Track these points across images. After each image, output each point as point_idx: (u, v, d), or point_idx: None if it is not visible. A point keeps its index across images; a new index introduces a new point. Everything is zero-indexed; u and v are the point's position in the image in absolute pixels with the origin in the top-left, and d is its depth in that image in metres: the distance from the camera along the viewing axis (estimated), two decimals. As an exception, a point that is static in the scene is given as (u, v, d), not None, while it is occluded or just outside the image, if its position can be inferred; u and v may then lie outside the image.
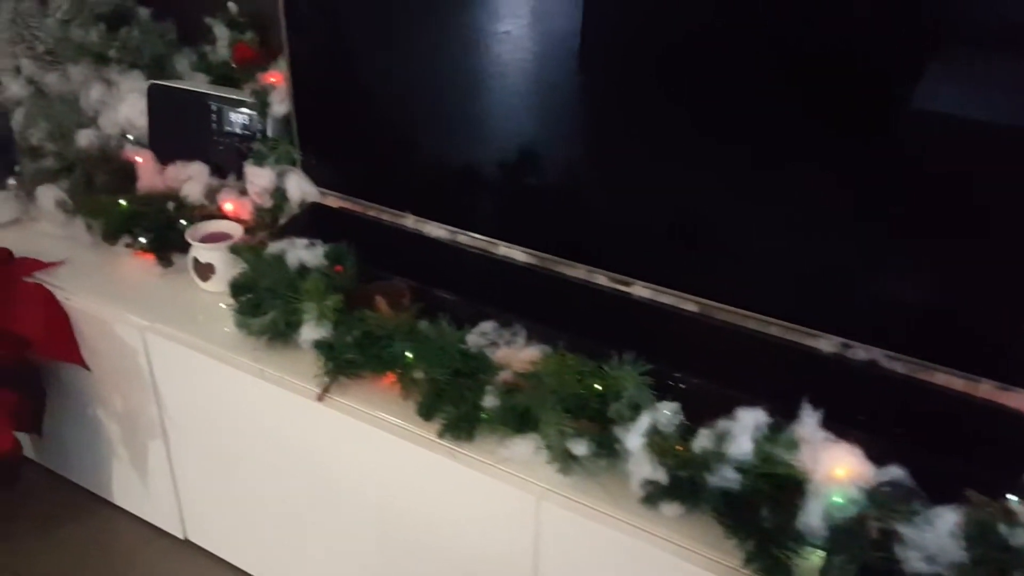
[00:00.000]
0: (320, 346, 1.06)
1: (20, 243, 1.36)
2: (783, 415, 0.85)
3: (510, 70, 1.07)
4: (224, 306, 1.20)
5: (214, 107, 1.34)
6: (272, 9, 1.44)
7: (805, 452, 0.81)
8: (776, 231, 0.98)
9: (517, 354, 0.99)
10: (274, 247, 1.14)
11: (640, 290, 1.06)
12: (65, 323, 1.25)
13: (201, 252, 1.24)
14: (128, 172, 1.36)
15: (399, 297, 1.04)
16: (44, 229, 1.39)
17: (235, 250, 1.18)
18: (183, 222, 1.29)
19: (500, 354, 0.99)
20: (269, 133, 1.32)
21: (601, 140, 1.06)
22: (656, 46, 0.96)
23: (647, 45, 0.97)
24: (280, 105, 1.29)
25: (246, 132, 1.34)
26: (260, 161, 1.30)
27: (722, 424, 0.83)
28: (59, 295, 1.26)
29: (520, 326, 1.01)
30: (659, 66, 0.97)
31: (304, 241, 1.13)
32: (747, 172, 0.96)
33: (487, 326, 1.00)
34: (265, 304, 1.11)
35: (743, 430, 0.81)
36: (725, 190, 0.99)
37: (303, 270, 1.11)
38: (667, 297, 1.05)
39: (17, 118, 1.37)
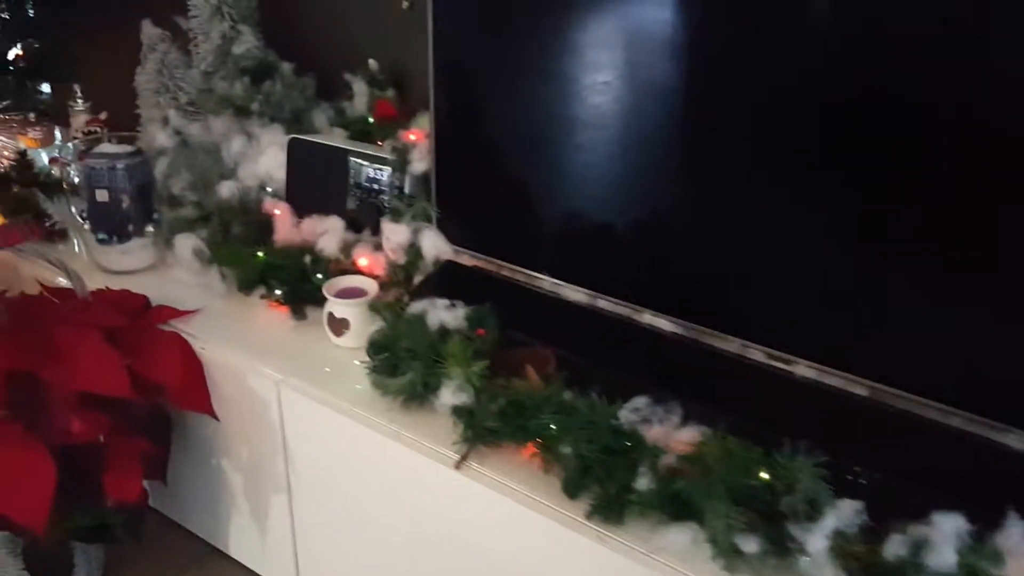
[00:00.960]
0: (459, 412, 1.02)
1: (156, 289, 1.37)
2: (979, 520, 0.76)
3: (654, 130, 1.03)
4: (359, 363, 1.17)
5: (352, 162, 1.34)
6: (411, 67, 1.45)
7: (1012, 566, 0.73)
8: (955, 310, 0.90)
9: (672, 434, 0.93)
10: (415, 307, 1.11)
11: (803, 369, 0.99)
12: (199, 372, 1.25)
13: (336, 307, 1.22)
14: (265, 224, 1.36)
15: (543, 365, 0.99)
16: (179, 277, 1.41)
17: (374, 308, 1.16)
18: (319, 276, 1.28)
19: (653, 432, 0.93)
20: (406, 190, 1.31)
21: (755, 202, 1.00)
22: (822, 108, 0.91)
23: (813, 106, 0.92)
24: (420, 163, 1.27)
25: (383, 188, 1.33)
26: (397, 217, 1.28)
27: (916, 530, 0.75)
28: (194, 344, 1.26)
29: (674, 403, 0.95)
30: (823, 127, 0.91)
31: (444, 302, 1.10)
32: (925, 238, 0.89)
33: (640, 401, 0.94)
34: (403, 365, 1.08)
35: (944, 539, 0.72)
36: (897, 259, 0.91)
37: (443, 331, 1.08)
38: (834, 379, 0.97)
39: (160, 167, 1.39)
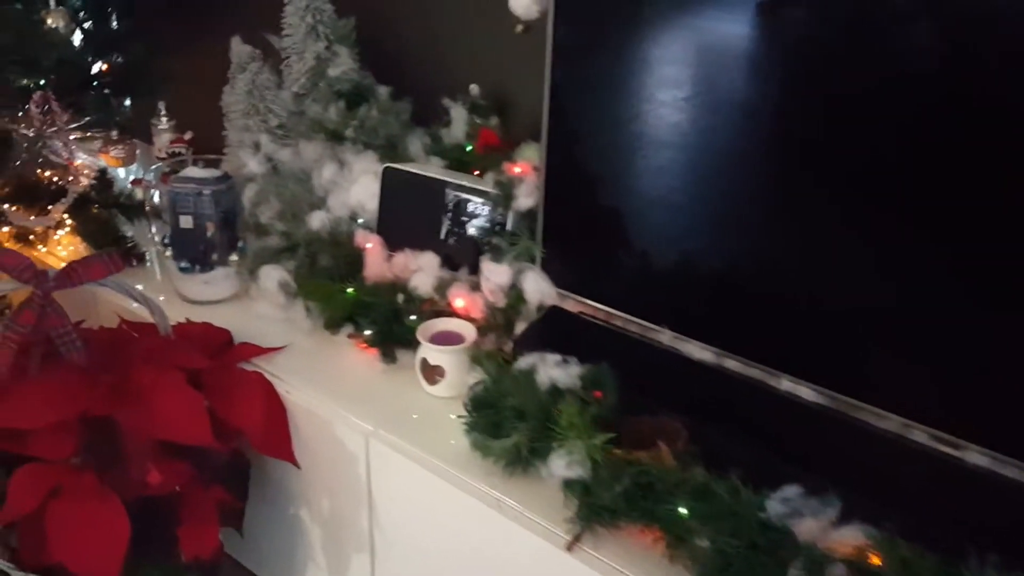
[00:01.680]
0: (573, 486, 0.91)
1: (237, 322, 1.29)
2: None
3: (802, 172, 0.91)
4: (455, 417, 1.07)
5: (451, 195, 1.24)
6: (516, 94, 1.35)
7: None
8: None
9: (828, 531, 0.80)
10: (523, 361, 1.00)
11: (975, 456, 0.85)
12: (282, 416, 1.16)
13: (431, 353, 1.12)
14: (354, 257, 1.27)
15: (673, 438, 0.87)
16: (261, 310, 1.32)
17: (476, 359, 1.05)
18: (412, 317, 1.18)
19: (805, 527, 0.81)
20: (508, 227, 1.21)
21: (921, 257, 0.87)
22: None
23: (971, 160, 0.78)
24: (526, 198, 1.17)
25: (483, 224, 1.23)
26: (498, 256, 1.18)
27: None
28: (278, 385, 1.17)
29: (828, 492, 0.82)
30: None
31: (555, 357, 0.99)
32: None
33: (791, 491, 0.82)
34: (507, 425, 0.98)
35: None
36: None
37: (555, 391, 0.97)
38: (1012, 469, 0.83)
39: (248, 194, 1.31)
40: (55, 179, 1.47)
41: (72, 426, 1.00)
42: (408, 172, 1.28)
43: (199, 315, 1.31)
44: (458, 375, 1.13)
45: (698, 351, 1.04)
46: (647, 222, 1.07)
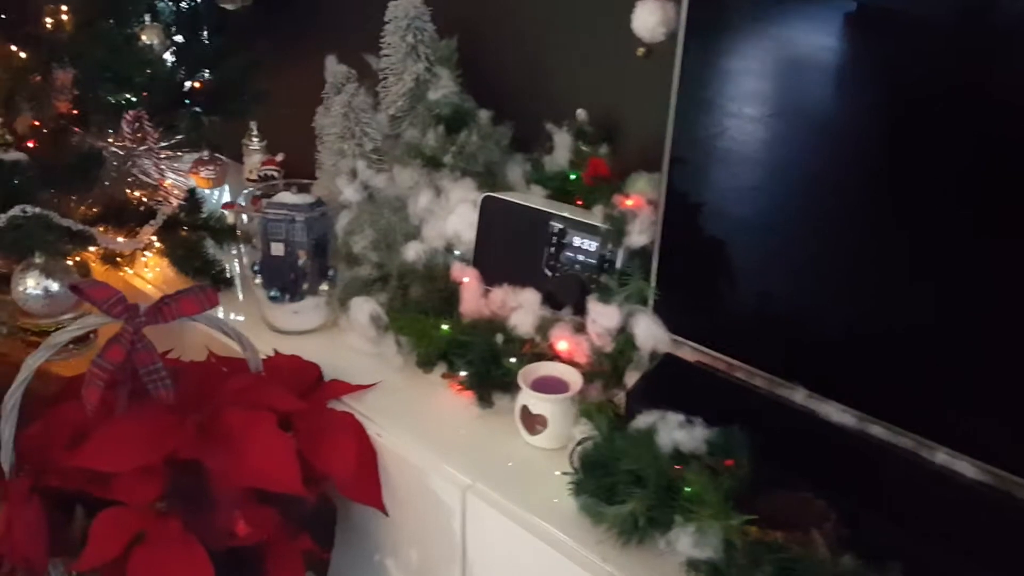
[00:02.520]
0: (701, 567, 0.81)
1: (324, 354, 1.23)
2: None
3: (971, 213, 0.80)
4: (560, 474, 0.99)
5: (556, 228, 1.16)
6: (628, 121, 1.26)
7: None
8: None
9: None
10: (641, 420, 0.91)
11: None
12: (373, 462, 1.09)
13: (533, 401, 1.04)
14: (448, 292, 1.20)
15: (819, 520, 0.77)
16: (350, 342, 1.26)
17: (586, 412, 0.97)
18: (512, 360, 1.10)
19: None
20: (618, 265, 1.12)
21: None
22: None
23: None
24: (639, 235, 1.08)
25: (590, 261, 1.14)
26: (606, 297, 1.09)
27: None
28: (368, 427, 1.10)
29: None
30: None
31: (678, 417, 0.90)
32: None
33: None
34: (622, 490, 0.89)
35: None
36: None
37: (678, 455, 0.88)
38: None
39: (342, 222, 1.25)
40: (144, 199, 1.44)
41: (158, 469, 0.94)
42: (509, 202, 1.21)
43: (286, 345, 1.25)
44: (562, 426, 1.04)
45: (837, 413, 0.93)
46: (780, 264, 0.97)
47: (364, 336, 1.24)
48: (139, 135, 1.41)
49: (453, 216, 1.25)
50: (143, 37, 1.33)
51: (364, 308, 1.22)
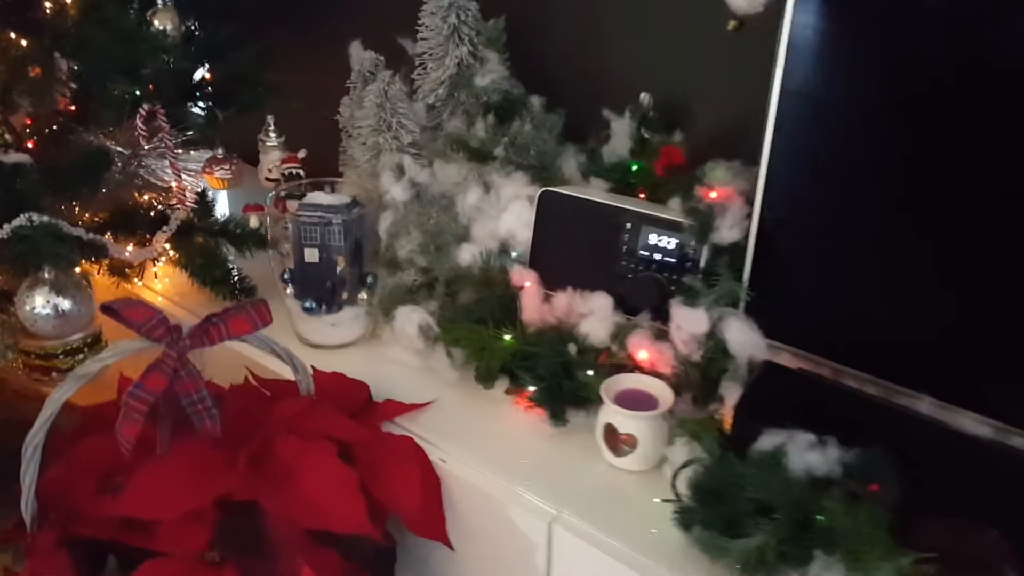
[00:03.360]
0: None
1: (366, 369, 1.12)
2: None
3: None
4: (659, 501, 0.89)
5: (628, 225, 1.06)
6: (703, 103, 1.16)
7: None
8: None
9: None
10: (766, 440, 0.81)
11: None
12: (436, 492, 0.98)
13: (621, 419, 0.94)
14: (505, 298, 1.09)
15: (1004, 557, 0.68)
16: (393, 356, 1.15)
17: (692, 433, 0.87)
18: (588, 372, 1.00)
19: None
20: (701, 264, 1.02)
21: None
22: None
23: None
24: (730, 230, 0.98)
25: (668, 260, 1.04)
26: (692, 300, 0.99)
27: None
28: (428, 451, 0.99)
29: None
30: None
31: (808, 437, 0.80)
32: None
33: None
34: (746, 522, 0.79)
35: None
36: None
37: (810, 480, 0.78)
38: None
39: (384, 224, 1.14)
40: (155, 203, 1.31)
41: (207, 513, 0.83)
42: (572, 197, 1.10)
43: (323, 361, 1.14)
44: (653, 446, 0.94)
45: (973, 425, 0.84)
46: (902, 257, 0.87)
47: (411, 349, 1.13)
48: (151, 133, 1.28)
49: (507, 214, 1.13)
50: (156, 22, 1.20)
51: (412, 318, 1.11)
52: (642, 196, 1.17)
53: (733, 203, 0.99)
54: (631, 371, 1.01)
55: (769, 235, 0.95)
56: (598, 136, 1.21)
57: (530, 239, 1.13)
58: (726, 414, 0.93)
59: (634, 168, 1.17)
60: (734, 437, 0.87)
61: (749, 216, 0.97)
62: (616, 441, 0.96)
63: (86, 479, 0.89)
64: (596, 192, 1.13)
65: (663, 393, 0.96)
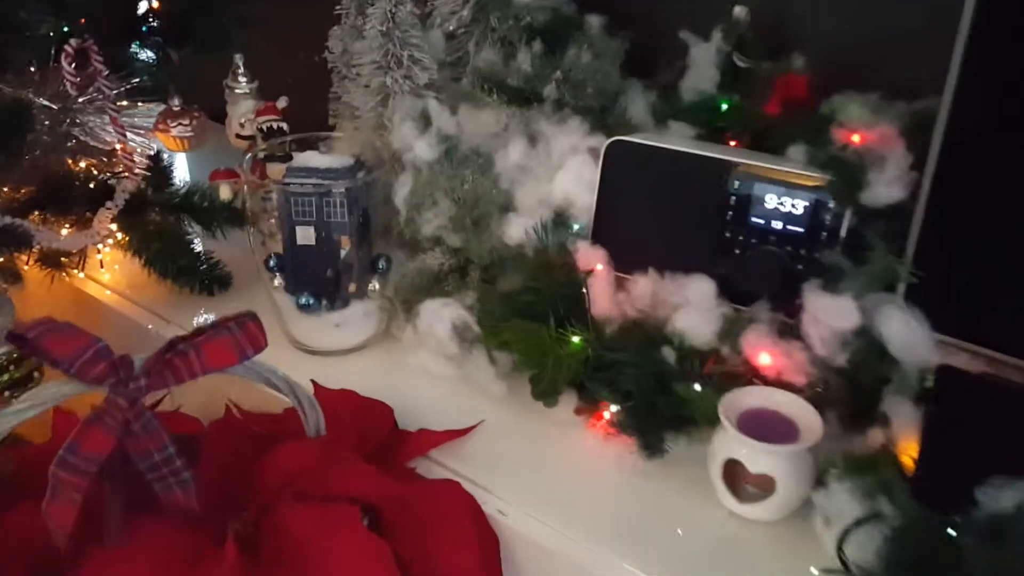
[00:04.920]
0: None
1: (381, 383, 0.88)
2: None
3: None
4: (819, 573, 0.65)
5: (736, 184, 0.81)
6: (807, 21, 0.91)
7: None
8: None
9: None
10: (989, 497, 0.58)
11: None
12: (495, 555, 0.74)
13: (751, 453, 0.70)
14: (569, 286, 0.84)
15: None
16: (417, 363, 0.90)
17: (875, 484, 0.63)
18: (693, 386, 0.76)
19: None
20: (842, 234, 0.77)
21: None
22: None
23: None
24: (890, 187, 0.73)
25: (794, 229, 0.79)
26: (834, 283, 0.75)
27: None
28: (483, 500, 0.75)
29: None
30: None
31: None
32: None
33: None
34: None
35: None
36: None
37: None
38: None
39: (402, 192, 0.88)
40: (95, 172, 1.04)
41: (183, 626, 0.58)
42: (654, 148, 0.84)
43: (326, 373, 0.89)
44: (795, 488, 0.70)
45: None
46: None
47: (442, 354, 0.88)
48: (85, 81, 1.01)
49: (562, 174, 0.88)
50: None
51: (443, 315, 0.86)
52: (733, 144, 0.92)
53: (892, 149, 0.74)
54: (750, 382, 0.77)
55: (948, 192, 0.70)
56: (671, 67, 0.95)
57: (594, 205, 0.88)
58: (898, 443, 0.70)
59: (724, 107, 0.92)
60: (924, 482, 0.64)
61: (915, 167, 0.73)
62: (742, 481, 0.72)
63: (13, 567, 0.64)
64: (684, 141, 0.87)
65: (805, 414, 0.72)
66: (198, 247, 1.04)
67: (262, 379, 0.64)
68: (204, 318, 1.00)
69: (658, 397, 0.77)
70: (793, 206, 0.79)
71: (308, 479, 0.66)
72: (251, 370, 0.62)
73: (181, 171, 1.18)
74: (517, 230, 0.84)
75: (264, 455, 0.68)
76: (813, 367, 0.75)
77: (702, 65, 0.93)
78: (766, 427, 0.72)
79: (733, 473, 0.72)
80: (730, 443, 0.72)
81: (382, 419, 0.81)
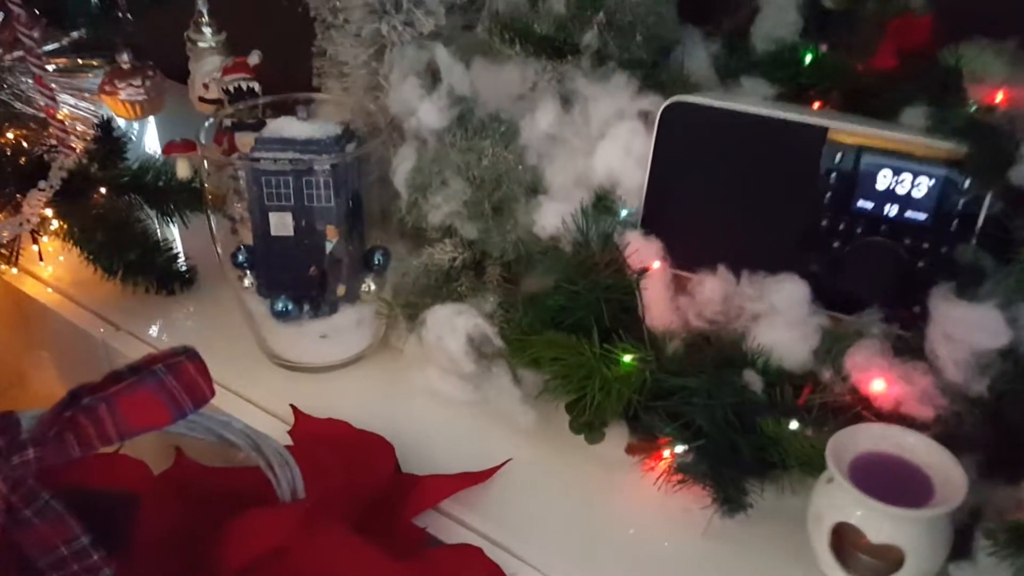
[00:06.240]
0: None
1: (378, 409, 0.72)
2: None
3: None
4: None
5: (837, 157, 0.64)
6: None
7: None
8: None
9: None
10: None
11: None
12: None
13: (871, 517, 0.54)
14: (616, 288, 0.67)
15: None
16: (423, 383, 0.74)
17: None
18: (792, 424, 0.59)
19: None
20: (979, 223, 0.61)
21: None
22: None
23: None
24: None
25: (914, 216, 0.63)
26: (970, 288, 0.58)
27: None
28: (512, 569, 0.59)
29: None
30: None
31: None
32: None
33: None
34: None
35: None
36: None
37: None
38: None
39: (404, 168, 0.71)
40: (26, 145, 0.87)
41: None
42: (727, 112, 0.67)
43: (309, 393, 0.73)
44: (928, 562, 0.54)
45: None
46: None
47: (454, 372, 0.72)
48: (7, 33, 0.84)
49: (605, 144, 0.71)
50: None
51: (456, 325, 0.69)
52: (816, 106, 0.75)
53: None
54: (858, 415, 0.61)
55: None
56: (739, 10, 0.78)
57: (645, 185, 0.71)
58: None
59: (808, 60, 0.74)
60: None
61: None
62: (855, 551, 0.56)
63: None
64: (764, 103, 0.70)
65: (940, 463, 0.56)
66: (154, 235, 0.87)
67: (213, 436, 0.47)
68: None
69: (739, 435, 0.61)
70: (914, 186, 0.62)
71: (282, 560, 0.50)
72: (197, 425, 0.46)
73: (135, 143, 1.01)
74: (551, 218, 0.67)
75: (225, 524, 0.51)
76: (944, 396, 0.59)
77: (777, 7, 0.75)
78: (888, 479, 0.56)
79: (844, 540, 0.56)
80: (841, 501, 0.55)
81: (381, 460, 0.65)
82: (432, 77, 0.69)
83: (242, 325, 0.80)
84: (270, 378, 0.78)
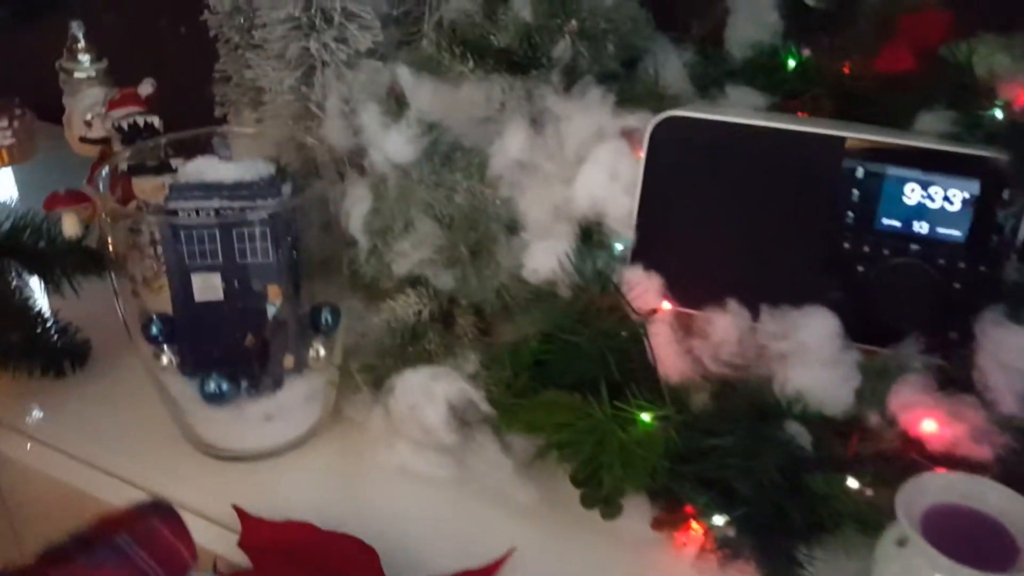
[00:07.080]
0: None
1: (338, 497, 0.63)
2: None
3: None
4: None
5: (858, 171, 0.58)
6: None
7: None
8: None
9: None
10: None
11: None
12: None
13: (960, 585, 0.47)
14: (631, 334, 0.59)
15: None
16: (393, 460, 0.63)
17: None
18: (851, 483, 0.52)
19: None
20: (1021, 238, 0.56)
21: None
22: None
23: None
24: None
25: (949, 233, 0.57)
26: (1021, 311, 0.53)
27: None
28: None
29: None
30: None
31: None
32: None
33: None
34: None
35: None
36: None
37: None
38: None
39: (360, 211, 0.60)
40: None
41: None
42: (730, 127, 0.60)
43: (252, 485, 0.61)
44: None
45: None
46: None
47: (429, 445, 0.62)
48: None
49: (586, 169, 0.63)
50: None
51: (435, 392, 0.59)
52: (800, 114, 0.69)
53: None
54: (910, 463, 0.54)
55: None
56: (711, 12, 0.71)
57: (635, 213, 0.64)
58: None
59: (790, 65, 0.68)
60: None
61: None
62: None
63: None
64: (766, 115, 0.63)
65: (1016, 512, 0.50)
66: (36, 308, 0.73)
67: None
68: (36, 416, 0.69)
69: (785, 499, 0.54)
70: (947, 200, 0.57)
71: None
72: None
73: (3, 194, 0.86)
74: (543, 259, 0.58)
75: None
76: (1001, 432, 0.54)
77: (754, 7, 0.69)
78: (963, 536, 0.50)
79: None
80: (915, 564, 0.49)
81: (364, 572, 0.54)
82: (396, 102, 0.59)
83: (154, 406, 0.67)
84: (199, 472, 0.65)
